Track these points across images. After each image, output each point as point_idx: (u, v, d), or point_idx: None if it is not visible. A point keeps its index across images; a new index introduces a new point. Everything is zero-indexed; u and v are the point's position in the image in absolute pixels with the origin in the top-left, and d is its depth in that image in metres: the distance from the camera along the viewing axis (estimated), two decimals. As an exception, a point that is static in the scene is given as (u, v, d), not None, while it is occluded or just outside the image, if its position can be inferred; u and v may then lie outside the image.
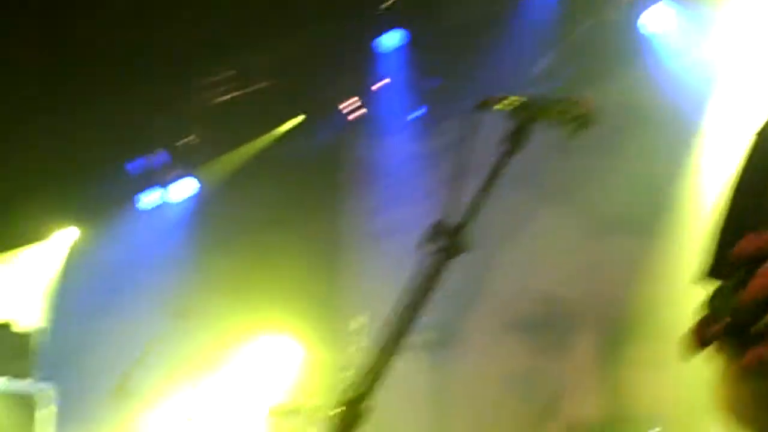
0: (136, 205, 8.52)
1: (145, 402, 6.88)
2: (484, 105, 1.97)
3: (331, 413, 1.65)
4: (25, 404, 6.49)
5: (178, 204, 8.51)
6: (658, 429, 5.43)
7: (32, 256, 8.49)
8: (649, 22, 6.35)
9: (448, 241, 1.76)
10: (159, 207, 8.52)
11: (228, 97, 7.82)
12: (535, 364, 6.50)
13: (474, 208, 1.82)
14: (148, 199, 8.53)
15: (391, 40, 7.21)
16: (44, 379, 6.76)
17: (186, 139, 8.32)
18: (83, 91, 6.92)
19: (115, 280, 8.10)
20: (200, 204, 8.50)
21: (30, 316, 7.66)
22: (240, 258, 7.92)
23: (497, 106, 1.99)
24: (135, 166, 8.37)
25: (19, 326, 6.76)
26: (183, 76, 7.48)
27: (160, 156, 8.37)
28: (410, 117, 7.76)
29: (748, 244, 1.70)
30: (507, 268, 6.83)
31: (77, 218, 8.51)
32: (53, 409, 6.66)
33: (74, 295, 8.28)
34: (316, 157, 8.06)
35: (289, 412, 6.04)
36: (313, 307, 7.58)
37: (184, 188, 8.47)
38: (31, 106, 6.87)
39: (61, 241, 8.57)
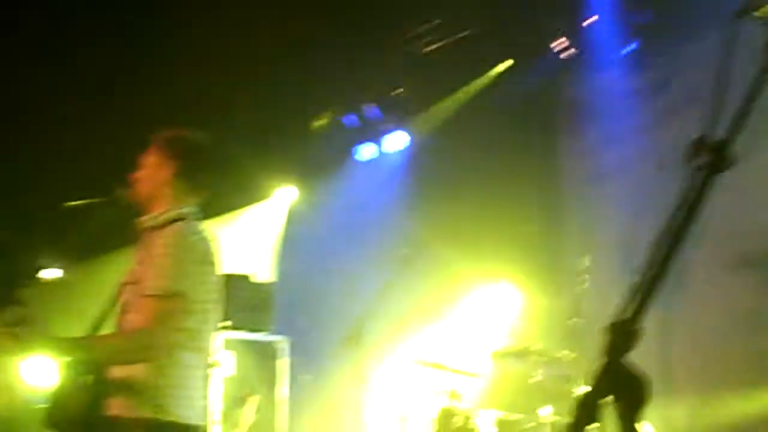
0: (353, 159, 8.77)
1: (376, 350, 7.13)
2: (744, 12, 1.87)
3: (603, 339, 1.64)
4: (266, 355, 6.86)
5: (392, 156, 8.69)
6: None
7: (258, 214, 8.95)
8: None
9: (711, 157, 1.70)
10: (374, 160, 8.75)
11: (435, 46, 7.87)
12: (761, 302, 6.22)
13: (737, 123, 1.74)
14: (364, 152, 8.78)
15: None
16: (279, 331, 7.12)
17: (396, 92, 8.47)
18: (300, 51, 7.18)
19: (336, 233, 8.42)
20: (414, 154, 8.64)
21: (262, 270, 8.08)
22: (457, 206, 8.00)
23: (758, 13, 1.89)
24: (349, 120, 8.62)
25: (255, 280, 7.12)
26: (391, 28, 7.61)
27: (372, 110, 8.57)
28: (622, 54, 7.54)
29: None
30: (732, 201, 6.56)
31: (298, 175, 8.87)
32: (288, 359, 7.01)
33: (300, 249, 8.67)
34: (528, 100, 7.99)
35: (514, 354, 6.08)
36: (533, 252, 7.57)
37: (397, 140, 8.64)
38: (251, 68, 7.19)
39: (283, 198, 8.97)
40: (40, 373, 6.51)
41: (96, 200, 3.66)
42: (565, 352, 5.75)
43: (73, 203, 3.69)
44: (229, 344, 6.62)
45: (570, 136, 8.00)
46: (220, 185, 3.82)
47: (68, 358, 3.36)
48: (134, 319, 3.40)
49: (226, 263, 3.66)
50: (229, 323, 6.49)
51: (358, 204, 8.46)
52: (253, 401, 6.13)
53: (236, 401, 6.32)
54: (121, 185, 3.66)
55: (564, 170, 8.00)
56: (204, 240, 3.49)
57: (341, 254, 8.34)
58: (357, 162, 8.82)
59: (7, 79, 6.93)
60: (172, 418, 3.31)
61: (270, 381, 6.86)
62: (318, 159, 8.61)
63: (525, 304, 7.46)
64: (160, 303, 3.29)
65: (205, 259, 3.46)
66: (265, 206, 9.04)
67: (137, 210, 3.63)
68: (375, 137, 8.76)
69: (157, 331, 3.28)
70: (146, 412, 3.30)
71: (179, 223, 3.48)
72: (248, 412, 6.09)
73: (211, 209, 3.76)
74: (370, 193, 8.54)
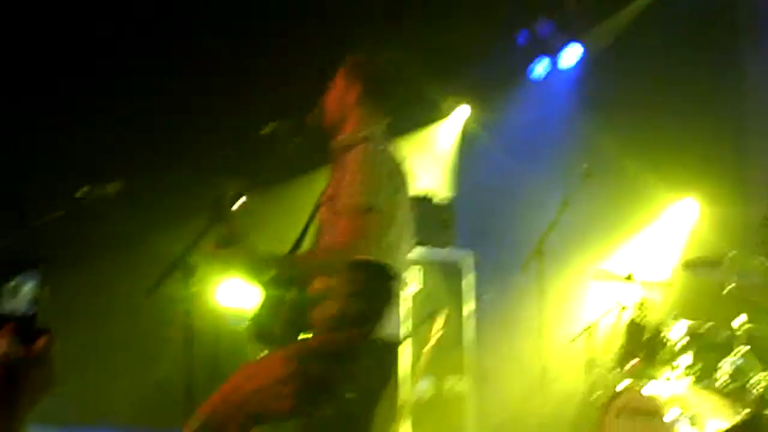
0: (528, 76, 8.72)
1: (559, 264, 7.20)
2: None
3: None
4: (451, 272, 7.02)
5: (567, 70, 8.57)
6: None
7: (436, 134, 9.06)
8: None
9: None
10: (550, 75, 8.66)
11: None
12: None
13: None
14: (539, 68, 8.70)
15: None
16: (462, 247, 7.24)
17: (569, 6, 8.32)
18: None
19: (515, 150, 8.45)
20: (589, 68, 8.49)
21: (443, 189, 8.21)
22: (635, 118, 7.86)
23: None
24: (522, 37, 8.55)
25: (438, 198, 7.25)
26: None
27: (545, 25, 8.47)
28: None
29: None
30: None
31: (473, 94, 8.90)
32: (473, 275, 7.14)
33: (479, 168, 8.76)
34: (708, 6, 7.66)
35: (706, 263, 5.98)
36: (716, 162, 7.38)
37: (572, 54, 8.51)
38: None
39: (459, 117, 9.04)
40: (241, 294, 6.93)
41: (288, 125, 3.80)
42: (761, 258, 5.61)
43: (267, 129, 3.84)
44: (415, 262, 6.77)
45: (754, 40, 7.63)
46: (402, 106, 3.93)
47: (272, 275, 3.58)
48: (333, 237, 3.55)
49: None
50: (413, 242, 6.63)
51: (535, 120, 8.43)
52: (441, 317, 6.26)
53: (424, 318, 6.47)
54: (312, 110, 3.81)
55: (750, 78, 7.66)
56: (394, 157, 3.61)
57: (520, 171, 8.37)
58: (532, 79, 8.74)
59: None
60: (380, 334, 3.40)
61: (455, 298, 7.00)
62: (493, 77, 8.60)
63: (712, 214, 7.32)
64: (356, 219, 3.42)
65: (397, 174, 3.58)
66: (442, 126, 9.13)
67: (327, 133, 3.78)
68: (549, 53, 8.65)
69: (355, 246, 3.41)
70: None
71: (369, 142, 3.61)
72: (436, 328, 6.23)
73: (393, 130, 3.87)
74: (547, 109, 8.49)
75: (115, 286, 8.09)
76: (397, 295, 3.66)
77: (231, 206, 3.44)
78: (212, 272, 3.48)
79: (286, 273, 3.54)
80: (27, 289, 1.66)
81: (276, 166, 3.92)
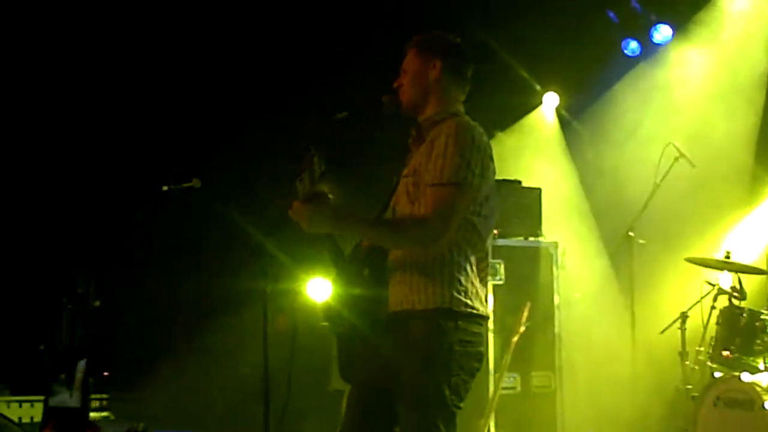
0: (620, 56, 8.66)
1: (650, 252, 7.15)
2: None
3: None
4: (538, 261, 6.96)
5: (659, 49, 8.50)
6: None
7: (527, 120, 9.07)
8: None
9: None
10: (641, 55, 8.59)
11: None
12: None
13: None
14: (630, 48, 8.65)
15: None
16: (550, 235, 7.21)
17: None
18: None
19: (605, 133, 8.42)
20: (678, 48, 8.39)
21: (531, 176, 8.15)
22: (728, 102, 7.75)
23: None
24: (614, 16, 8.54)
25: (526, 185, 7.25)
26: None
27: (636, 4, 8.45)
28: None
29: None
30: None
31: (565, 78, 8.87)
32: (558, 264, 7.08)
33: (568, 152, 8.74)
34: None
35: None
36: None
37: (663, 33, 8.44)
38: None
39: (549, 103, 9.03)
40: (323, 290, 7.08)
41: (364, 109, 3.86)
42: None
43: (343, 114, 3.91)
44: (500, 251, 6.78)
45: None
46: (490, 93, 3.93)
47: (350, 250, 3.66)
48: (417, 208, 3.53)
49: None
50: (497, 230, 6.64)
51: (627, 102, 8.37)
52: (525, 308, 6.25)
53: (508, 309, 6.48)
54: (388, 94, 3.86)
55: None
56: (483, 133, 3.65)
57: (609, 155, 8.32)
58: (624, 59, 8.68)
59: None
60: (462, 308, 3.46)
61: (543, 289, 6.99)
62: (585, 59, 8.57)
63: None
64: (444, 190, 3.43)
65: (486, 151, 3.57)
66: (533, 112, 9.15)
67: (406, 113, 3.83)
68: (639, 32, 8.59)
69: (440, 217, 3.42)
70: (437, 303, 3.45)
71: (459, 117, 3.65)
72: (521, 320, 6.23)
73: (482, 114, 3.89)
74: (638, 92, 8.41)
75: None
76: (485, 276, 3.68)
77: (316, 167, 3.50)
78: (298, 227, 3.50)
79: (371, 236, 3.58)
80: (76, 382, 1.74)
81: (353, 150, 3.97)
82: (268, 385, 4.67)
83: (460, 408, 3.47)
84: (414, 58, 3.78)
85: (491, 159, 3.60)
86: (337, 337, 3.79)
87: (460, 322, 3.47)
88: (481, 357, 3.57)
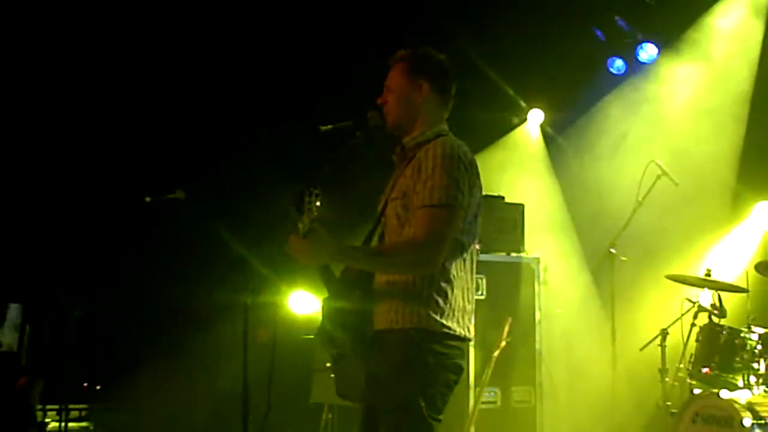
0: (605, 74, 8.73)
1: (631, 269, 7.21)
2: None
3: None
4: (520, 277, 7.00)
5: (643, 68, 8.59)
6: None
7: (510, 137, 9.11)
8: None
9: None
10: (626, 73, 8.68)
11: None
12: None
13: None
14: (615, 66, 8.73)
15: None
16: (532, 251, 7.26)
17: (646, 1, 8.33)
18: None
19: (588, 149, 8.46)
20: (663, 66, 8.47)
21: (512, 191, 8.19)
22: (715, 119, 7.83)
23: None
24: (600, 34, 8.63)
25: (508, 201, 7.29)
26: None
27: (621, 22, 8.53)
28: None
29: None
30: None
31: (550, 94, 8.94)
32: (540, 280, 7.12)
33: (550, 170, 8.81)
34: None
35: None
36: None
37: (648, 53, 8.53)
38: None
39: (533, 120, 9.10)
40: (307, 302, 7.09)
41: (349, 123, 3.88)
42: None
43: (327, 127, 3.94)
44: (482, 266, 6.79)
45: None
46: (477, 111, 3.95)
47: (338, 277, 3.69)
48: (408, 231, 3.58)
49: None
50: (479, 246, 6.67)
51: (611, 118, 8.46)
52: (506, 324, 6.29)
53: (489, 324, 6.50)
54: (372, 109, 3.87)
55: None
56: (469, 151, 3.68)
57: (593, 171, 8.38)
58: (609, 76, 8.76)
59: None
60: (438, 328, 3.49)
61: (524, 304, 7.01)
62: (569, 76, 8.64)
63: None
64: (436, 212, 3.47)
65: (473, 170, 3.61)
66: (517, 129, 9.21)
67: (391, 131, 3.85)
68: (625, 51, 8.68)
69: (433, 240, 3.46)
70: (413, 323, 3.50)
71: (445, 137, 3.68)
72: (502, 335, 6.26)
73: (467, 131, 3.92)
74: (623, 109, 8.49)
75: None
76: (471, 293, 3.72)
77: (310, 200, 3.54)
78: (296, 261, 3.55)
79: (364, 264, 3.64)
80: (9, 325, 1.77)
81: (337, 165, 4.00)
82: (247, 397, 4.70)
83: (438, 420, 3.51)
84: (400, 76, 3.80)
85: (478, 176, 3.65)
86: (332, 358, 3.84)
87: (434, 341, 3.50)
88: (459, 369, 3.60)
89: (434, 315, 3.50)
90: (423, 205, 3.51)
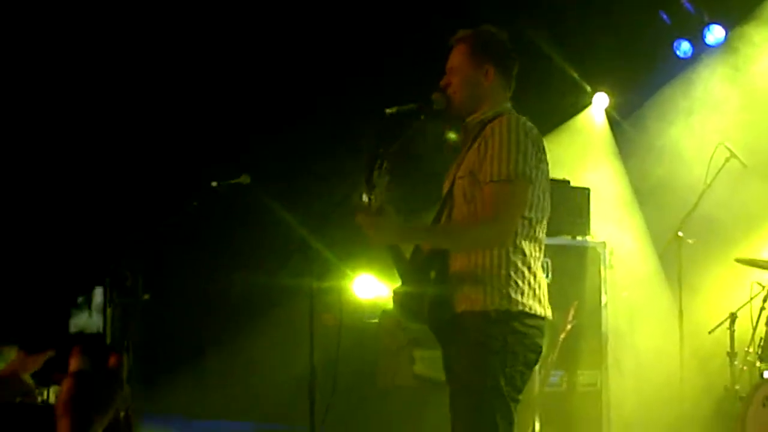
0: (671, 57, 8.62)
1: (699, 251, 7.14)
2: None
3: None
4: (586, 260, 6.96)
5: (710, 50, 8.48)
6: None
7: (576, 120, 9.12)
8: None
9: None
10: (693, 56, 8.57)
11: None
12: None
13: None
14: (681, 49, 8.62)
15: None
16: (598, 235, 7.23)
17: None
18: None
19: (657, 133, 8.38)
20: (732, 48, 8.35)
21: (579, 176, 8.16)
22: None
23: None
24: (665, 17, 8.53)
25: (575, 184, 7.26)
26: None
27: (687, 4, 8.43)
28: None
29: None
30: None
31: (615, 78, 8.87)
32: (606, 264, 7.09)
33: (616, 153, 8.75)
34: None
35: None
36: None
37: (715, 35, 8.41)
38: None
39: (599, 104, 9.05)
40: (372, 286, 7.15)
41: (413, 106, 3.89)
42: None
43: (392, 109, 3.97)
44: (548, 250, 6.75)
45: None
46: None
47: (411, 254, 3.72)
48: (475, 209, 3.61)
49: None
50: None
51: (677, 102, 8.36)
52: (572, 307, 6.28)
53: (555, 307, 6.48)
54: (436, 91, 3.88)
55: None
56: (534, 128, 3.68)
57: (659, 155, 8.31)
58: (675, 59, 8.66)
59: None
60: (520, 308, 3.53)
61: (590, 288, 6.99)
62: (635, 60, 8.57)
63: None
64: (506, 187, 3.50)
65: (540, 146, 3.64)
66: (583, 112, 9.16)
67: (456, 113, 3.86)
68: (691, 33, 8.56)
69: (503, 216, 3.50)
70: (494, 304, 3.53)
71: (509, 114, 3.70)
72: (567, 318, 6.26)
73: (533, 119, 3.92)
74: (689, 92, 8.39)
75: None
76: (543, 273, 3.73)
77: (379, 173, 3.58)
78: (366, 238, 3.60)
79: (434, 243, 3.69)
80: (95, 306, 1.83)
81: (402, 148, 4.03)
82: (313, 381, 4.77)
83: (518, 400, 3.55)
84: (463, 57, 3.81)
85: (544, 152, 3.67)
86: (408, 342, 3.87)
87: (514, 321, 3.54)
88: (539, 348, 3.63)
89: (514, 295, 3.54)
90: (490, 181, 3.54)
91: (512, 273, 3.55)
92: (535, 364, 3.64)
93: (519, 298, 3.54)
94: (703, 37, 8.47)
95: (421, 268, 3.71)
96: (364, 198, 3.56)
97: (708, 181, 7.00)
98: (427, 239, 3.70)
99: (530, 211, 3.60)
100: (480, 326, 3.55)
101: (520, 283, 3.55)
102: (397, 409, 6.98)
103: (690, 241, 7.04)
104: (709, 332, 6.57)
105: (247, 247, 8.99)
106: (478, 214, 3.60)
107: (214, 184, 6.57)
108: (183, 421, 8.91)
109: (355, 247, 6.66)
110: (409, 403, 6.96)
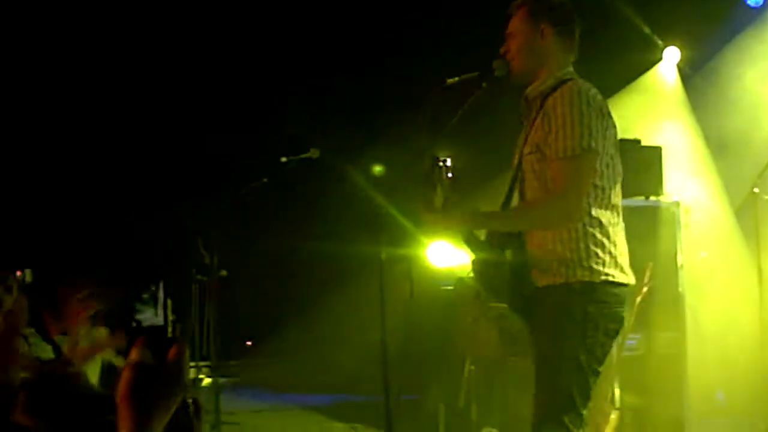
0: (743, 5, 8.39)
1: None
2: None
3: None
4: (661, 221, 6.85)
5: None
6: None
7: (646, 77, 8.90)
8: None
9: None
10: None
11: None
12: None
13: None
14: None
15: None
16: (673, 194, 7.11)
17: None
18: None
19: (729, 89, 8.17)
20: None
21: (652, 135, 7.99)
22: None
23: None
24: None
25: (647, 143, 7.13)
26: None
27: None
28: None
29: None
30: None
31: (685, 31, 8.67)
32: (681, 224, 6.97)
33: (692, 110, 8.56)
34: None
35: None
36: None
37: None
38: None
39: (670, 59, 8.84)
40: (451, 254, 7.14)
41: (475, 75, 3.85)
42: None
43: (454, 79, 3.93)
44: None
45: None
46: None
47: (487, 236, 3.71)
48: (545, 186, 3.60)
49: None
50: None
51: (752, 54, 8.13)
52: (648, 269, 6.19)
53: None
54: (497, 59, 3.83)
55: None
56: (598, 93, 3.63)
57: (733, 109, 8.10)
58: (746, 10, 8.41)
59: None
60: (602, 278, 3.52)
61: (666, 249, 6.86)
62: (705, 11, 8.35)
63: None
64: (573, 163, 3.48)
65: (604, 111, 3.59)
66: (652, 69, 8.97)
67: (517, 80, 3.81)
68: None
69: (571, 194, 3.49)
70: (576, 276, 3.53)
71: (570, 82, 3.64)
72: (643, 281, 6.16)
73: (601, 77, 3.86)
74: (762, 43, 8.15)
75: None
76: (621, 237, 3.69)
77: (440, 170, 3.58)
78: (430, 235, 3.66)
79: (503, 227, 3.69)
80: (157, 300, 1.86)
81: (464, 116, 4.00)
82: (385, 349, 4.82)
83: (598, 372, 3.55)
84: (521, 22, 3.76)
85: (610, 116, 3.62)
86: (494, 318, 3.87)
87: (595, 291, 3.53)
88: (620, 318, 3.62)
89: (596, 266, 3.54)
90: (558, 158, 3.51)
91: (591, 245, 3.54)
92: (617, 335, 3.63)
93: (601, 268, 3.53)
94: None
95: (496, 247, 3.70)
96: (427, 196, 3.57)
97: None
98: (498, 224, 3.69)
99: (601, 179, 3.56)
100: (562, 298, 3.55)
101: (600, 253, 3.54)
102: (473, 378, 6.98)
103: (767, 197, 6.86)
104: (790, 293, 6.42)
105: (321, 219, 9.07)
106: (546, 193, 3.58)
107: (283, 159, 6.64)
108: (265, 395, 9.07)
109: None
110: (484, 371, 6.96)
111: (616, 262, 3.57)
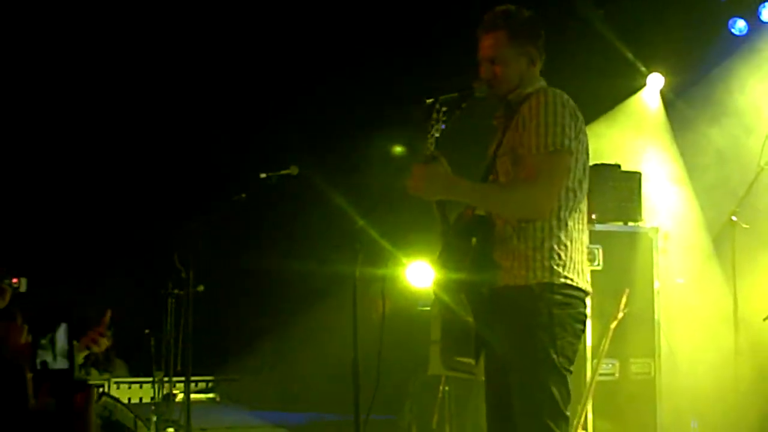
0: (726, 35, 8.46)
1: (754, 237, 7.01)
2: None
3: None
4: (638, 247, 6.85)
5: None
6: None
7: (628, 103, 8.96)
8: None
9: None
10: (749, 34, 8.39)
11: None
12: None
13: None
14: (736, 26, 8.46)
15: None
16: (650, 221, 7.15)
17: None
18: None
19: (711, 114, 8.23)
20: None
21: (630, 160, 8.02)
22: None
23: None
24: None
25: (624, 169, 7.15)
26: None
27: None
28: None
29: None
30: None
31: (668, 57, 8.73)
32: (659, 250, 6.99)
33: (668, 136, 8.61)
34: None
35: None
36: None
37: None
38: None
39: (652, 85, 8.90)
40: (424, 275, 7.14)
41: (455, 95, 3.83)
42: None
43: (431, 100, 3.92)
44: (598, 236, 6.68)
45: None
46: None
47: (464, 199, 3.71)
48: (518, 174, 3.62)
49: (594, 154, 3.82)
50: (594, 215, 6.60)
51: (734, 83, 8.20)
52: (624, 294, 6.22)
53: (606, 295, 6.42)
54: (476, 78, 3.84)
55: None
56: (571, 99, 3.68)
57: (714, 137, 8.16)
58: (730, 38, 8.49)
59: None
60: (562, 280, 3.55)
61: (642, 275, 6.88)
62: (689, 39, 8.42)
63: None
64: (548, 158, 3.53)
65: (577, 115, 3.65)
66: (635, 95, 9.04)
67: (498, 95, 3.80)
68: (746, 11, 8.39)
69: (544, 182, 3.53)
70: (536, 277, 3.56)
71: (544, 89, 3.73)
72: (619, 306, 6.20)
73: (585, 102, 3.89)
74: (745, 71, 8.22)
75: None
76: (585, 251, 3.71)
77: (437, 117, 3.61)
78: (413, 191, 3.60)
79: (476, 201, 3.69)
80: (60, 343, 1.84)
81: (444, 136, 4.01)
82: (356, 369, 4.79)
83: (570, 372, 3.57)
84: (504, 47, 3.77)
85: (582, 122, 3.68)
86: (442, 320, 3.88)
87: (557, 293, 3.55)
88: (584, 319, 3.65)
89: (556, 268, 3.56)
90: (532, 154, 3.56)
91: (555, 246, 3.58)
92: (583, 333, 3.66)
93: (561, 270, 3.56)
94: (758, 14, 8.29)
95: (463, 232, 3.72)
96: (429, 140, 3.59)
97: (762, 164, 6.85)
98: (472, 196, 3.67)
99: (573, 181, 3.62)
100: (523, 302, 3.58)
101: (562, 255, 3.58)
102: (446, 398, 6.98)
103: (745, 225, 6.90)
104: (764, 319, 6.45)
105: (299, 237, 9.06)
106: (523, 179, 3.60)
107: (263, 175, 6.64)
108: (238, 411, 9.04)
109: (410, 234, 6.67)
110: (461, 390, 6.96)
111: (575, 267, 3.60)
